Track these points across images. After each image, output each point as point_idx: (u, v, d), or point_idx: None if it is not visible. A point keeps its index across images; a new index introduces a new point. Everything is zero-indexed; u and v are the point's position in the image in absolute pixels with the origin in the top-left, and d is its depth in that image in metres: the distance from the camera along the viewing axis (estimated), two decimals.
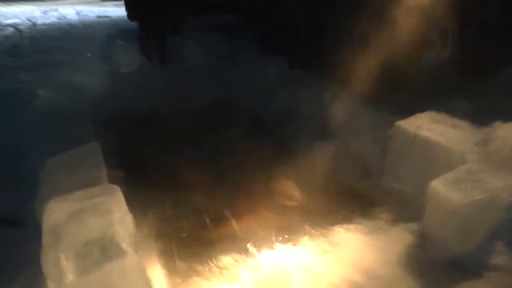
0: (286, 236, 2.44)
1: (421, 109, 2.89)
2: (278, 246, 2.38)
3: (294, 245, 2.37)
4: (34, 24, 7.66)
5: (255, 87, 4.19)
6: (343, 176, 2.95)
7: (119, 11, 8.21)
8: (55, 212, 1.97)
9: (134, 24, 5.22)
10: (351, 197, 2.77)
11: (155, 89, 4.17)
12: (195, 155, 3.33)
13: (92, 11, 9.02)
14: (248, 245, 2.37)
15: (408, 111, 2.89)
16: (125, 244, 1.76)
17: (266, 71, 4.20)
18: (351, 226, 2.47)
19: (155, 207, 2.67)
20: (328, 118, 3.32)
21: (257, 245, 2.37)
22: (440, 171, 2.43)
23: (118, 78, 4.04)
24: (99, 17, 8.34)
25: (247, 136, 3.58)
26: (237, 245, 2.37)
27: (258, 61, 4.34)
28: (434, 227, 2.21)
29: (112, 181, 2.38)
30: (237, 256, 2.30)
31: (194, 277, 2.18)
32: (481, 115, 2.87)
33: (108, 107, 3.92)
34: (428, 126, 2.61)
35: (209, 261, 2.27)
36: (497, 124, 2.50)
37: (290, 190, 2.80)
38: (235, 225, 2.54)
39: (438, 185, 2.18)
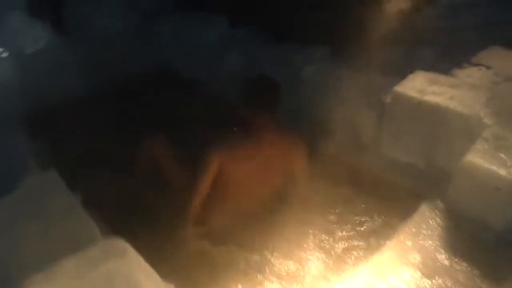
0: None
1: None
2: None
3: None
4: None
5: (194, 51, 3.65)
6: (338, 151, 2.69)
7: None
8: None
9: None
10: (355, 178, 2.56)
11: (71, 71, 3.43)
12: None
13: None
14: None
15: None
16: None
17: (204, 32, 3.67)
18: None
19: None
20: (300, 84, 3.00)
21: None
22: (455, 140, 2.30)
23: (21, 62, 3.20)
24: None
25: (203, 114, 3.13)
26: None
27: (191, 21, 3.77)
28: (473, 206, 2.06)
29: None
30: None
31: None
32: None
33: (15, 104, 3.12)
34: (432, 90, 2.41)
35: None
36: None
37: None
38: None
39: (476, 159, 2.01)
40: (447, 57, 3.26)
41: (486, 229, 2.02)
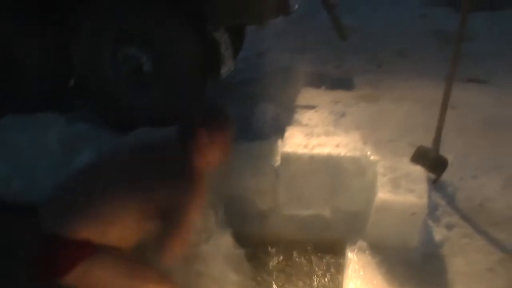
0: None
1: None
2: None
3: None
4: None
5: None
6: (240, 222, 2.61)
7: None
8: None
9: None
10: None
11: None
12: None
13: None
14: None
15: None
16: None
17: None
18: None
19: None
20: None
21: None
22: (353, 182, 2.49)
23: None
24: None
25: None
26: None
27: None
28: (395, 235, 2.26)
29: None
30: None
31: None
32: None
33: None
34: (315, 142, 2.57)
35: None
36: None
37: None
38: None
39: (387, 195, 2.22)
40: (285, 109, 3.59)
41: (410, 250, 2.25)
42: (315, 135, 2.65)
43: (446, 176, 2.84)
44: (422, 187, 2.25)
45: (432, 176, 2.74)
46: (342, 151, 2.48)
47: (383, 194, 2.23)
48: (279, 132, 2.81)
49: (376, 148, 2.80)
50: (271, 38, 4.70)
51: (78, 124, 3.44)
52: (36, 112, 3.55)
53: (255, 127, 3.22)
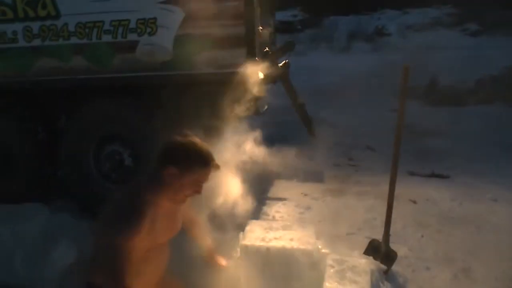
0: None
1: None
2: None
3: None
4: None
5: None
6: None
7: None
8: None
9: None
10: None
11: None
12: None
13: None
14: None
15: None
16: None
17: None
18: None
19: None
20: None
21: None
22: (306, 273, 2.68)
23: None
24: None
25: None
26: None
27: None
28: None
29: None
30: None
31: None
32: None
33: None
34: (272, 236, 2.79)
35: None
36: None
37: None
38: None
39: (334, 285, 2.40)
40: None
41: None
42: (274, 229, 2.88)
43: (399, 268, 3.02)
44: (365, 279, 2.44)
45: (384, 267, 2.93)
46: (295, 244, 2.69)
47: (329, 285, 2.41)
48: (243, 225, 3.03)
49: (334, 241, 3.03)
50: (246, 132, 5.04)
51: (60, 214, 3.67)
52: (23, 201, 3.83)
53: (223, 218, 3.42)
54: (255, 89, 3.43)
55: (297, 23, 10.50)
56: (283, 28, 7.86)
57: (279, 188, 4.25)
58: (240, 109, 3.48)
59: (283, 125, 5.67)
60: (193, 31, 3.50)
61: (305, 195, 4.06)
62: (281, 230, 2.86)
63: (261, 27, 3.75)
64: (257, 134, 4.83)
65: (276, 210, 3.73)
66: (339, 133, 5.61)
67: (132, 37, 3.60)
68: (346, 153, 5.16)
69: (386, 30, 10.79)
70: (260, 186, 4.10)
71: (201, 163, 1.92)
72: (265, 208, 3.76)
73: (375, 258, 2.92)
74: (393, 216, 3.08)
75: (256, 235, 2.83)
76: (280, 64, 3.85)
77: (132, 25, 3.58)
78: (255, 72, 3.42)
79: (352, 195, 4.09)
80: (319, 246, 2.69)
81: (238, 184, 3.92)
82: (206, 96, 3.54)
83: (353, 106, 6.85)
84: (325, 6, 10.61)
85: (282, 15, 9.78)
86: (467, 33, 11.20)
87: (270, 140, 5.29)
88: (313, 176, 4.52)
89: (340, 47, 9.71)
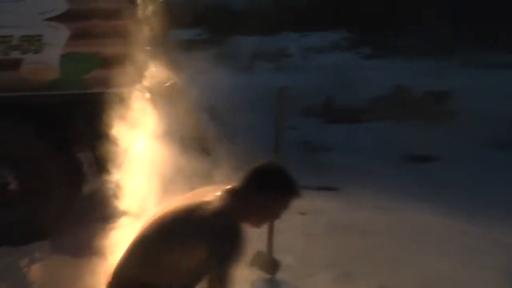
0: None
1: None
2: None
3: None
4: None
5: None
6: None
7: None
8: None
9: None
10: None
11: None
12: None
13: None
14: None
15: None
16: None
17: None
18: None
19: None
20: None
21: None
22: None
23: None
24: None
25: None
26: None
27: None
28: None
29: None
30: None
31: None
32: None
33: None
34: None
35: None
36: None
37: None
38: None
39: None
40: None
41: None
42: None
43: (284, 275, 3.18)
44: None
45: (268, 276, 3.07)
46: None
47: None
48: None
49: None
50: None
51: None
52: None
53: None
54: (143, 109, 3.46)
55: (201, 42, 10.66)
56: (187, 46, 7.94)
57: None
58: (130, 129, 3.50)
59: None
60: (80, 49, 3.47)
61: None
62: None
63: (149, 46, 3.80)
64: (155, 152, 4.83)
65: None
66: (238, 150, 5.74)
67: (15, 54, 3.49)
68: (240, 169, 5.28)
69: (288, 51, 11.29)
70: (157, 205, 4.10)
71: (291, 191, 1.88)
72: None
73: (259, 268, 3.05)
74: (282, 228, 3.26)
75: None
76: (168, 84, 3.92)
77: (16, 42, 3.47)
78: (142, 91, 3.46)
79: None
80: None
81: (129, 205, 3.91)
82: (95, 116, 3.51)
83: (252, 123, 7.03)
84: (228, 27, 10.89)
85: (186, 34, 9.86)
86: (361, 56, 12.03)
87: (168, 157, 5.32)
88: None
89: (244, 66, 10.01)
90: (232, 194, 1.81)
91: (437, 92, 8.91)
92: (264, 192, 1.83)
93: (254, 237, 3.62)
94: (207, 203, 1.76)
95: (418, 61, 12.63)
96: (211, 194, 1.82)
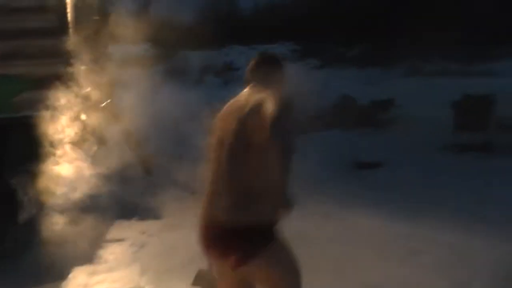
0: None
1: None
2: None
3: None
4: None
5: None
6: None
7: None
8: None
9: None
10: None
11: None
12: None
13: None
14: None
15: None
16: None
17: None
18: None
19: None
20: None
21: None
22: None
23: None
24: None
25: None
26: None
27: None
28: None
29: None
30: None
31: None
32: None
33: None
34: (96, 280, 2.71)
35: None
36: None
37: None
38: None
39: None
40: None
41: None
42: (98, 272, 2.81)
43: None
44: None
45: None
46: (117, 286, 2.65)
47: None
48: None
49: (163, 276, 3.02)
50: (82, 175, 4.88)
51: None
52: None
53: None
54: (79, 129, 3.35)
55: (148, 57, 10.53)
56: (135, 62, 7.82)
57: (118, 228, 4.14)
58: (64, 152, 3.38)
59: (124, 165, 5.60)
60: (7, 71, 3.33)
61: (143, 233, 4.01)
62: (104, 273, 2.80)
63: (86, 65, 3.69)
64: (95, 176, 4.70)
65: (110, 252, 3.61)
66: (183, 167, 5.66)
67: None
68: (188, 186, 5.21)
69: (236, 65, 11.32)
70: (97, 230, 3.96)
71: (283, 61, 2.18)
72: (100, 252, 3.62)
73: (202, 286, 2.98)
74: None
75: (79, 281, 2.73)
76: (103, 104, 3.82)
77: None
78: (78, 113, 3.35)
79: (189, 228, 4.12)
80: (142, 284, 2.68)
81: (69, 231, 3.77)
82: (26, 139, 3.36)
83: (200, 138, 6.96)
84: (175, 41, 10.81)
85: (134, 49, 9.72)
86: (311, 67, 12.23)
87: (110, 180, 5.19)
88: (153, 213, 4.50)
89: (193, 81, 9.93)
90: (255, 84, 2.07)
91: (382, 100, 9.14)
92: (270, 66, 2.12)
93: (196, 256, 3.58)
94: (245, 100, 1.99)
95: (365, 71, 12.98)
96: (243, 97, 2.05)
